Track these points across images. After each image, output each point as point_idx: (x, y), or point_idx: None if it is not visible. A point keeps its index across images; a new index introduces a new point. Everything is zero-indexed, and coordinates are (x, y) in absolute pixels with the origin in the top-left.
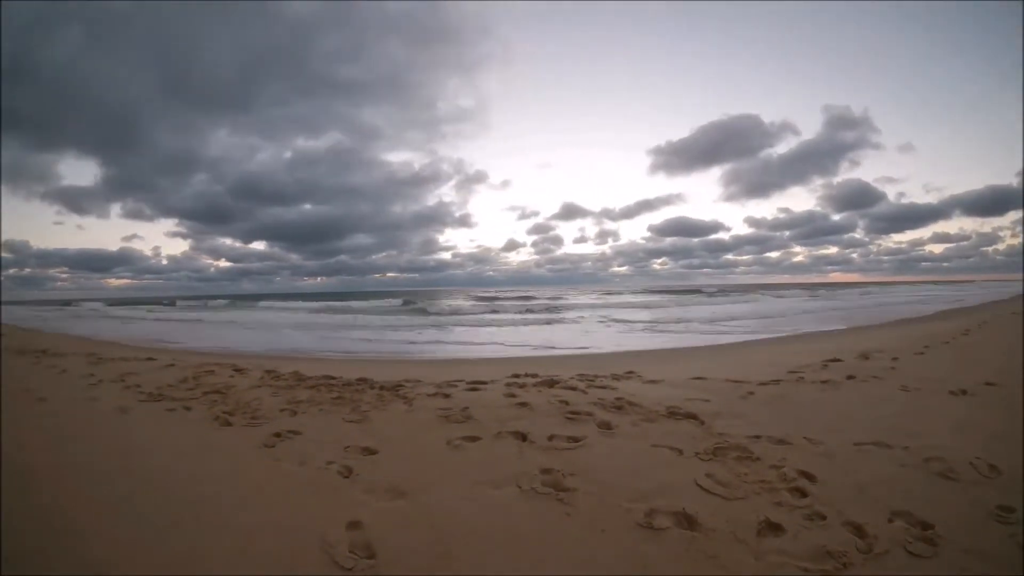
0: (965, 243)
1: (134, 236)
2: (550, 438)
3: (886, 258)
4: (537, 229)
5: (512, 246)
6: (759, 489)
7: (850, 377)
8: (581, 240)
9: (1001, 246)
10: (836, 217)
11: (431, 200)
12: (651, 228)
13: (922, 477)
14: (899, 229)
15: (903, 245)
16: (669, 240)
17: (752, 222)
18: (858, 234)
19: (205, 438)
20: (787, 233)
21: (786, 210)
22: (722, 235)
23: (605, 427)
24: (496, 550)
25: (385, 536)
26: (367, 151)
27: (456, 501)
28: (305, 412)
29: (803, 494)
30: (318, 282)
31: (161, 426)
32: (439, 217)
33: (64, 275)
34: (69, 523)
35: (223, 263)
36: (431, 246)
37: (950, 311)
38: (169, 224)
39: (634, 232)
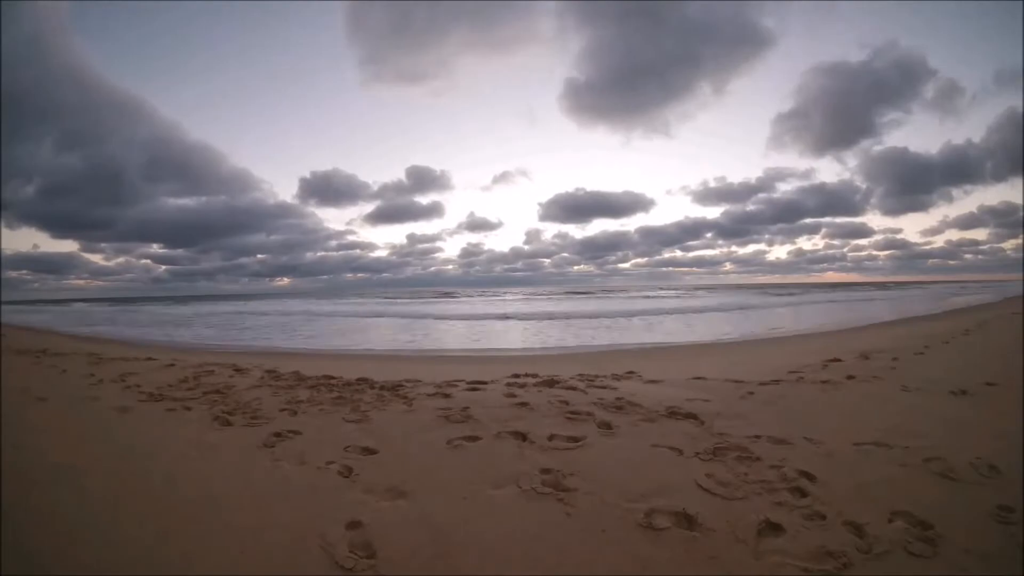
0: (984, 231)
1: (34, 243)
2: (550, 438)
3: (883, 254)
4: (393, 212)
5: (433, 239)
6: (759, 489)
7: (850, 377)
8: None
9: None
10: (824, 175)
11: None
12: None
13: (922, 477)
14: (915, 204)
15: (918, 238)
16: (594, 225)
17: (685, 193)
18: (866, 221)
19: (205, 438)
20: (748, 207)
21: (753, 168)
22: (656, 218)
23: (605, 427)
24: (496, 550)
25: (385, 536)
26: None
27: (456, 501)
28: (305, 412)
29: (803, 494)
30: (287, 283)
31: (161, 426)
32: (288, 211)
33: (29, 277)
34: (69, 523)
35: (162, 266)
36: (337, 241)
37: (952, 311)
38: (31, 231)
39: (522, 212)
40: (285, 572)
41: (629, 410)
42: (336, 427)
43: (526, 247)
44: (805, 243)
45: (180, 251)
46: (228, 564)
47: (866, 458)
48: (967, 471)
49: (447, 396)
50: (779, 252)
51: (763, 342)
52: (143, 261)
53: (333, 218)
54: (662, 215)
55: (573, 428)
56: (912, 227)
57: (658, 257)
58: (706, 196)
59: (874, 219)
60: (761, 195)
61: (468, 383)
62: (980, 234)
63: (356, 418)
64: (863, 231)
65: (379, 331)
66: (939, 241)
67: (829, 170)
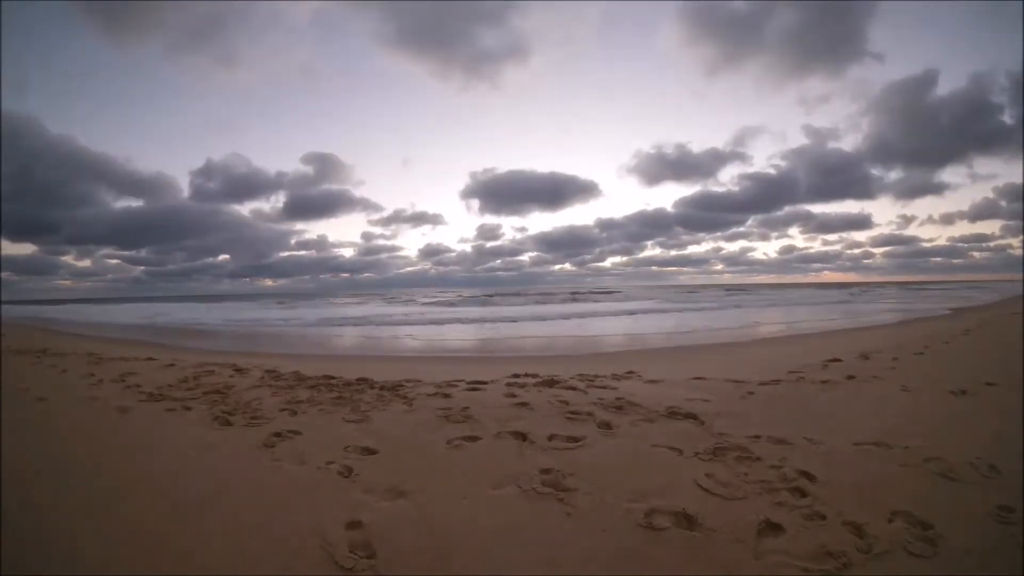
0: (997, 224)
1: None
2: (550, 438)
3: (880, 250)
4: (315, 206)
5: (390, 236)
6: (759, 489)
7: (850, 377)
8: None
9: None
10: (806, 120)
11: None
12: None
13: (922, 477)
14: (932, 186)
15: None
16: (552, 219)
17: (627, 171)
18: (873, 212)
19: (205, 438)
20: (714, 188)
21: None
22: (608, 207)
23: (605, 427)
24: (496, 550)
25: (385, 536)
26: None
27: (456, 501)
28: (305, 412)
29: (803, 494)
30: (274, 284)
31: (161, 426)
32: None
33: (15, 279)
34: (69, 523)
35: (138, 267)
36: (284, 242)
37: (952, 311)
38: None
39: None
40: (285, 572)
41: (629, 410)
42: (336, 427)
43: (488, 244)
44: (798, 238)
45: (134, 252)
46: (228, 564)
47: (866, 458)
48: (967, 471)
49: (447, 396)
50: (766, 248)
51: (763, 342)
52: (113, 261)
53: (247, 212)
54: (614, 204)
55: (573, 428)
56: (924, 214)
57: (639, 255)
58: (654, 172)
59: (884, 206)
60: (733, 168)
61: (468, 383)
62: (993, 226)
63: (356, 418)
64: (863, 222)
65: None
66: (943, 238)
67: (814, 119)
